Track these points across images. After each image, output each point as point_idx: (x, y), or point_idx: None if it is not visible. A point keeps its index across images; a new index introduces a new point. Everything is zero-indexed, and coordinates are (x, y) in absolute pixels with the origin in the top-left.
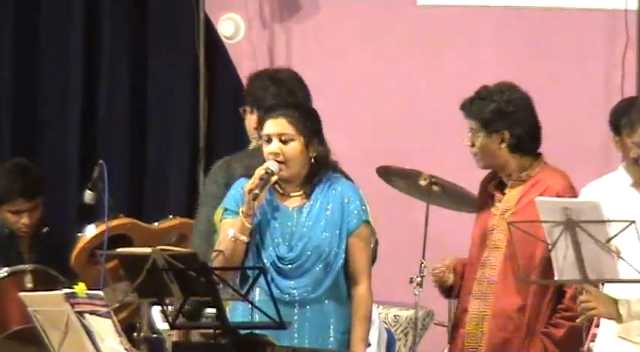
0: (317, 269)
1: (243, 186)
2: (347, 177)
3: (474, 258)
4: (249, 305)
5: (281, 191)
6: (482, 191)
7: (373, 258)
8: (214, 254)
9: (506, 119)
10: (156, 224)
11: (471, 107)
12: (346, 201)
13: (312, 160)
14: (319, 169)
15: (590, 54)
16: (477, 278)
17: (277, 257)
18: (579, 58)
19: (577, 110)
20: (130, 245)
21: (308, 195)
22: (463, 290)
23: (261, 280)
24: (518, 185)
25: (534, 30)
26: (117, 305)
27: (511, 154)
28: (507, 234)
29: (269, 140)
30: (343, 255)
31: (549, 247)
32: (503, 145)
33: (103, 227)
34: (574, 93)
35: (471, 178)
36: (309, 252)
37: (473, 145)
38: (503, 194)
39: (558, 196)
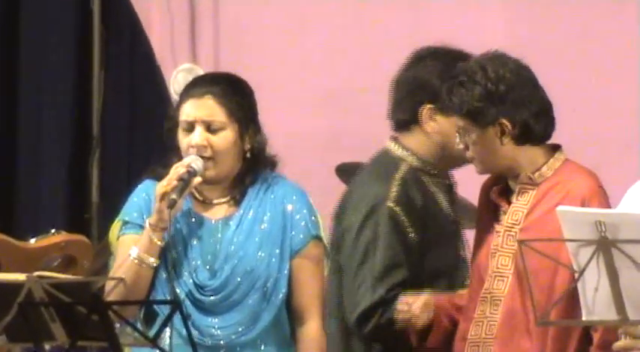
0: (250, 301)
1: (149, 190)
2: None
3: (474, 292)
4: None
5: (200, 197)
6: (484, 200)
7: None
8: (112, 282)
9: (500, 103)
10: (32, 241)
11: (450, 99)
12: (289, 208)
13: (247, 155)
14: (254, 167)
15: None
16: (474, 317)
17: (195, 285)
18: (612, 8)
19: (610, 78)
20: None
21: (237, 202)
22: (458, 335)
23: (175, 318)
24: (528, 190)
25: None
26: None
27: (519, 148)
28: (515, 257)
29: (190, 128)
30: (286, 283)
31: (575, 275)
32: (506, 139)
33: None
34: (605, 59)
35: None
36: (238, 279)
37: (467, 148)
38: (510, 203)
39: (584, 205)
